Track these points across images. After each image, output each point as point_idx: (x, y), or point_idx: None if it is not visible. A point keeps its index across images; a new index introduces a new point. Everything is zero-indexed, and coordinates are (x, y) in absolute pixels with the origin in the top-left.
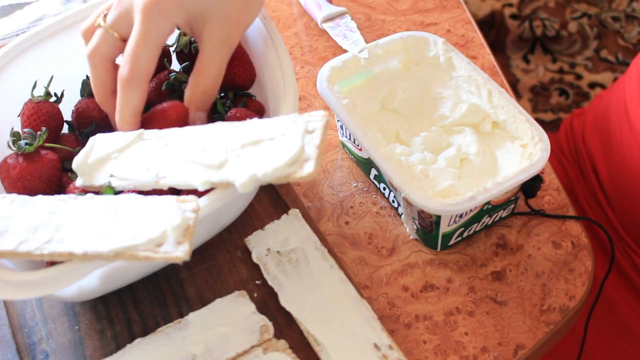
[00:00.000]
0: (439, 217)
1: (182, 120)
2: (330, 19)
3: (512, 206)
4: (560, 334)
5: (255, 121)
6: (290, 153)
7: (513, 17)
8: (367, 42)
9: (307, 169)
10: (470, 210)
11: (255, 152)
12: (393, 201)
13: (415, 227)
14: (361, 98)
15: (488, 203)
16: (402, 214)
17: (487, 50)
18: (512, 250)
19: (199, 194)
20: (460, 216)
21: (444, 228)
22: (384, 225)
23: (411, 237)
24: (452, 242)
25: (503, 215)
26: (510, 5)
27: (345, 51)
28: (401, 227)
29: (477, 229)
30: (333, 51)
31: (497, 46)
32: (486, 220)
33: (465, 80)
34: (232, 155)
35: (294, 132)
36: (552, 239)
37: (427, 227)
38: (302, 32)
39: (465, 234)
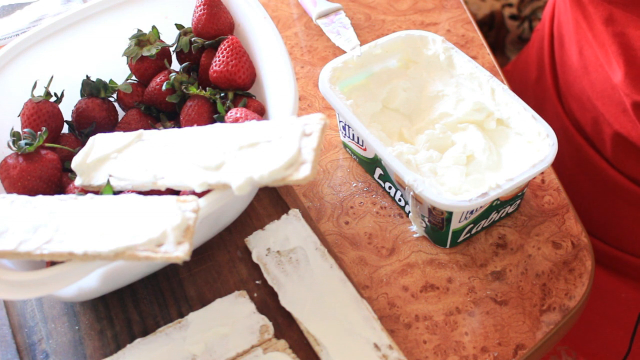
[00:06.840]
0: (450, 214)
1: None
2: (324, 15)
3: (518, 202)
4: (560, 334)
5: (252, 123)
6: (287, 156)
7: (512, 17)
8: (367, 42)
9: (304, 171)
10: (481, 207)
11: (253, 154)
12: (399, 200)
13: (424, 225)
14: (362, 98)
15: (497, 199)
16: (409, 212)
17: (487, 50)
18: (512, 250)
19: (198, 194)
20: (471, 212)
21: (454, 225)
22: (384, 225)
23: (417, 235)
24: (461, 238)
25: (509, 211)
26: (510, 5)
27: (345, 51)
28: (401, 227)
29: (485, 225)
30: (333, 51)
31: (497, 47)
32: (494, 216)
33: (467, 77)
34: (229, 157)
35: (291, 134)
36: (552, 239)
37: (438, 224)
38: (302, 32)
39: (473, 231)
